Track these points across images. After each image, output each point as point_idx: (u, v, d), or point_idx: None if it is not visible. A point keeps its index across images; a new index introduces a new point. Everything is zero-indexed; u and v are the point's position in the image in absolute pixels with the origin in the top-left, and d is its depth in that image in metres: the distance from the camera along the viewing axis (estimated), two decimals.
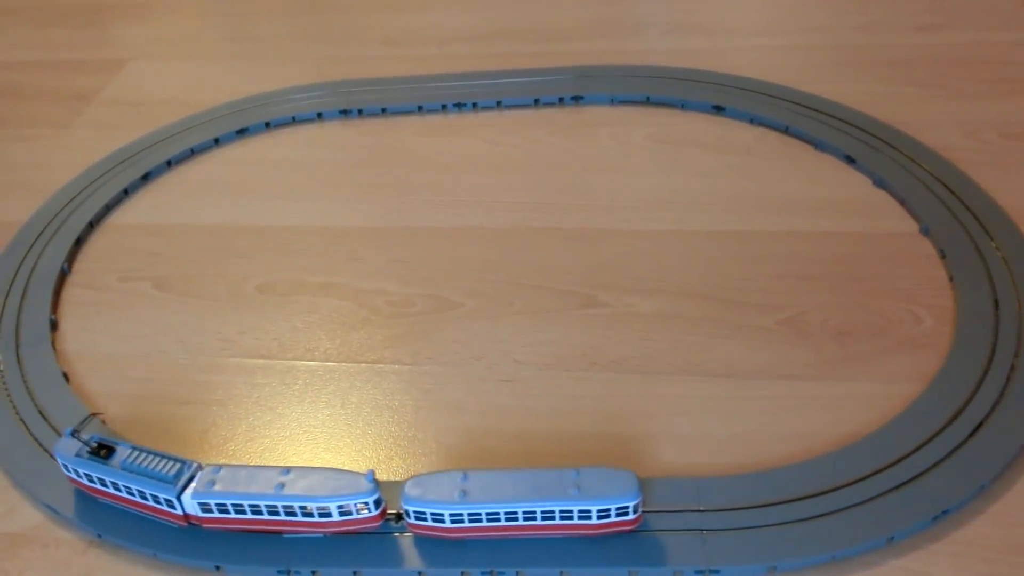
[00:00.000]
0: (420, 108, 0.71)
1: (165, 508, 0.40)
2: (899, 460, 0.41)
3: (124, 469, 0.40)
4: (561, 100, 0.70)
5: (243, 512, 0.39)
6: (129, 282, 0.58)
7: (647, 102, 0.70)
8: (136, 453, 0.40)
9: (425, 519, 0.38)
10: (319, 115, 0.72)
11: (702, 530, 0.39)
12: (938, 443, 0.41)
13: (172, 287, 0.57)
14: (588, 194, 0.61)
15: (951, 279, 0.51)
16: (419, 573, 0.39)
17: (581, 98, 0.70)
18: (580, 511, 0.37)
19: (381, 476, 0.44)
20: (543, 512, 0.37)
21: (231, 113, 0.73)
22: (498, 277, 0.55)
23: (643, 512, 0.38)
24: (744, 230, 0.56)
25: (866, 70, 0.71)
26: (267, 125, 0.72)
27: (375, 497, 0.38)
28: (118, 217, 0.64)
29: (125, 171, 0.67)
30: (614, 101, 0.70)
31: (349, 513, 0.38)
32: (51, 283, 0.57)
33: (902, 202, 0.57)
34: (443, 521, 0.38)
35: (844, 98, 0.67)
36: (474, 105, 0.71)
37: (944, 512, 0.39)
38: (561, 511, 0.37)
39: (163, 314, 0.55)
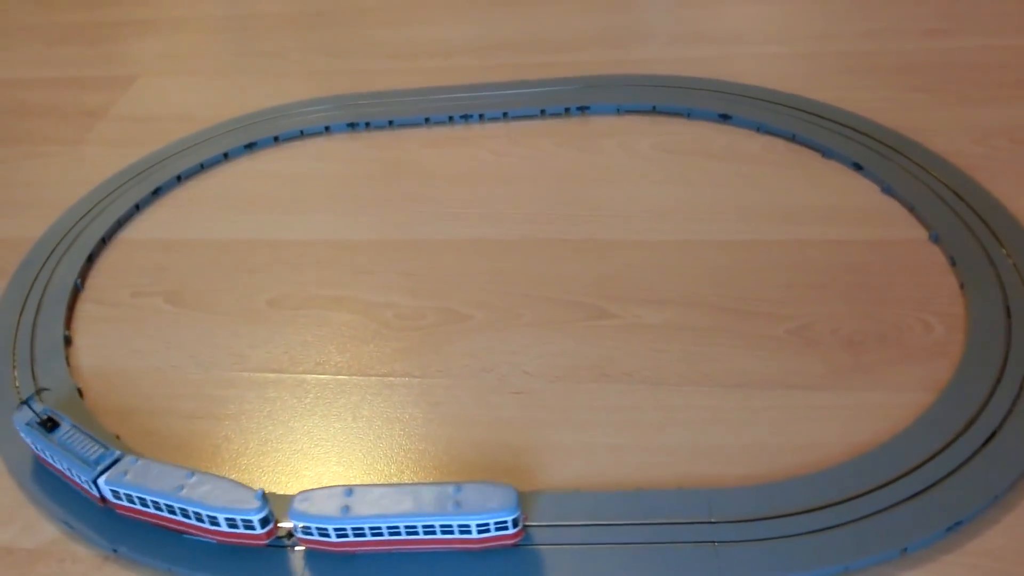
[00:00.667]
0: (427, 120, 0.72)
1: (87, 487, 0.42)
2: (911, 471, 0.41)
3: (59, 445, 0.43)
4: (567, 110, 0.71)
5: (146, 505, 0.41)
6: (141, 297, 0.58)
7: (653, 111, 0.70)
8: (73, 432, 0.44)
9: (311, 533, 0.39)
10: (327, 128, 0.73)
11: (714, 542, 0.39)
12: (951, 453, 0.41)
13: (184, 302, 0.57)
14: (595, 205, 0.61)
15: (962, 287, 0.51)
16: None
17: (587, 108, 0.70)
18: (460, 526, 0.38)
19: None
20: (424, 527, 0.38)
21: (240, 127, 0.73)
22: (507, 289, 0.55)
23: (525, 526, 0.39)
24: (752, 239, 0.56)
25: (873, 76, 0.71)
26: (275, 139, 0.72)
27: (260, 516, 0.39)
28: (129, 232, 0.65)
29: (136, 186, 0.68)
30: (620, 111, 0.70)
31: (236, 526, 0.39)
32: (64, 299, 0.57)
33: (911, 209, 0.57)
34: (328, 535, 0.39)
35: (851, 105, 0.67)
36: (480, 116, 0.71)
37: (958, 523, 0.39)
38: (441, 526, 0.38)
39: (175, 329, 0.55)
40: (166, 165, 0.70)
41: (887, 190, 0.59)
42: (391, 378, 0.50)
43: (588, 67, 0.76)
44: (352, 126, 0.73)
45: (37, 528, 0.44)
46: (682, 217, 0.59)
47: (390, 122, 0.72)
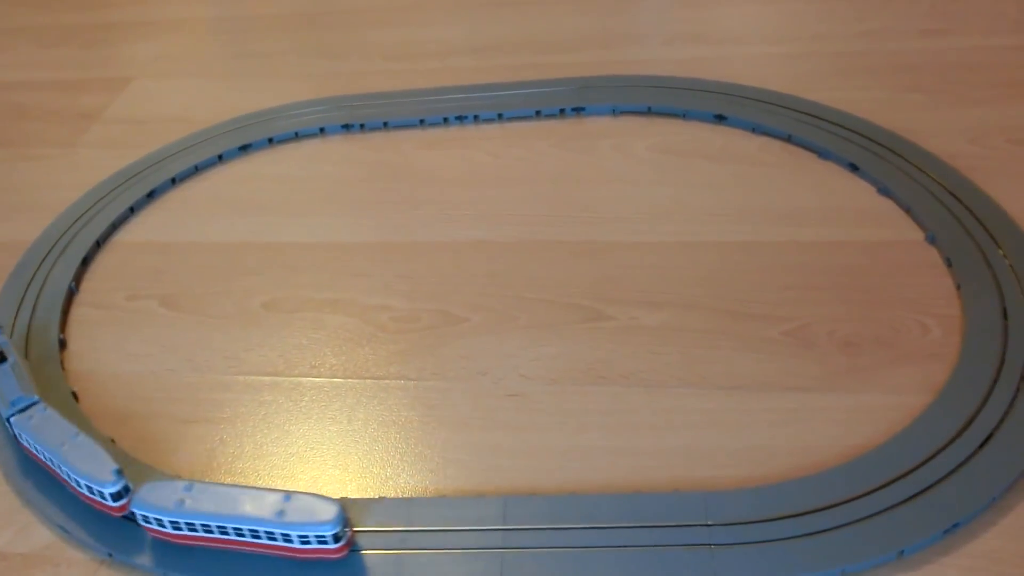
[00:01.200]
0: (422, 121, 0.72)
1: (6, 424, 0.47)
2: (908, 472, 0.41)
3: None
4: (562, 111, 0.70)
5: (36, 452, 0.45)
6: (136, 300, 0.58)
7: (649, 112, 0.70)
8: (12, 370, 0.47)
9: (150, 522, 0.41)
10: (322, 130, 0.72)
11: (710, 545, 0.39)
12: (948, 455, 0.41)
13: (179, 305, 0.57)
14: (591, 206, 0.61)
15: (958, 288, 0.51)
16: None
17: (582, 109, 0.70)
18: (283, 534, 0.39)
19: (388, 493, 0.44)
20: (251, 531, 0.39)
21: (234, 129, 0.73)
22: (503, 291, 0.55)
23: (350, 541, 0.40)
24: (748, 240, 0.56)
25: (869, 77, 0.71)
26: (270, 141, 0.72)
27: (111, 491, 0.42)
28: (124, 235, 0.64)
29: (130, 189, 0.68)
30: (616, 112, 0.70)
31: (93, 493, 0.42)
32: (59, 302, 0.57)
33: (907, 210, 0.57)
34: (164, 526, 0.40)
35: (847, 105, 0.66)
36: (475, 118, 0.71)
37: (955, 525, 0.39)
38: (266, 531, 0.39)
39: (170, 332, 0.55)
40: (161, 167, 0.70)
41: (883, 191, 0.58)
42: (387, 381, 0.50)
43: (583, 68, 0.76)
44: (347, 127, 0.72)
45: (32, 532, 0.44)
46: (678, 218, 0.59)
47: (385, 123, 0.72)
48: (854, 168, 0.61)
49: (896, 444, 0.42)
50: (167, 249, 0.62)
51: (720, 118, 0.67)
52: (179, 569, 0.41)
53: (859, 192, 0.59)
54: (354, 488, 0.45)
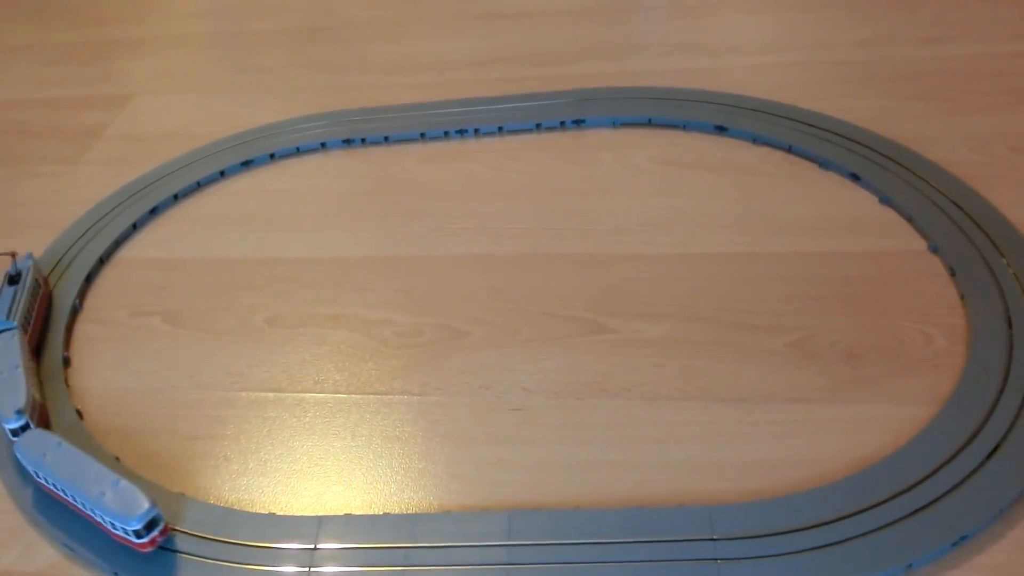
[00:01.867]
0: (423, 135, 0.72)
1: None
2: (915, 485, 0.40)
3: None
4: (563, 124, 0.71)
5: None
6: (139, 317, 0.58)
7: (649, 124, 0.70)
8: (16, 295, 0.51)
9: (26, 468, 0.44)
10: (323, 145, 0.73)
11: (716, 559, 0.39)
12: (954, 466, 0.41)
13: (182, 321, 0.57)
14: (592, 218, 0.61)
15: (962, 297, 0.50)
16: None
17: (583, 121, 0.70)
18: (99, 514, 0.40)
19: (392, 509, 0.44)
20: (81, 501, 0.41)
21: (236, 145, 0.73)
22: (505, 305, 0.55)
23: (155, 540, 0.41)
24: (750, 251, 0.56)
25: (869, 86, 0.71)
26: (272, 156, 0.72)
27: (10, 427, 0.45)
28: (127, 252, 0.65)
29: (133, 206, 0.68)
30: (616, 124, 0.70)
31: None
32: (63, 320, 0.57)
33: (909, 219, 0.56)
34: (38, 477, 0.43)
35: (847, 115, 0.67)
36: (476, 131, 0.71)
37: (963, 538, 0.38)
38: (90, 507, 0.41)
39: (173, 349, 0.55)
40: (163, 184, 0.70)
41: (885, 200, 0.58)
42: (390, 396, 0.50)
43: (583, 80, 0.76)
44: (348, 142, 0.73)
45: (37, 551, 0.44)
46: (679, 230, 0.59)
47: (386, 138, 0.72)
48: (855, 178, 0.61)
49: (902, 456, 0.42)
50: (170, 265, 0.62)
51: (720, 129, 0.67)
52: None
53: (861, 202, 0.59)
54: (358, 504, 0.44)
